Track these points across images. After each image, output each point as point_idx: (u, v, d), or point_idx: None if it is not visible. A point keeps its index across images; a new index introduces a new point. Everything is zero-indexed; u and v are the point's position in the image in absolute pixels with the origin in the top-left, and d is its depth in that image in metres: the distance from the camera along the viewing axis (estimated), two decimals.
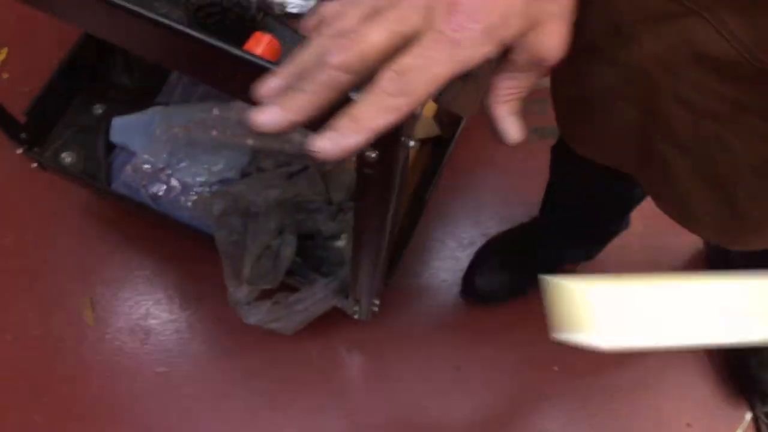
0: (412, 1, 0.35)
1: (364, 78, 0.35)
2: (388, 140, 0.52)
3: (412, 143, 0.53)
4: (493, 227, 1.46)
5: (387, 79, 0.34)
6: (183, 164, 1.22)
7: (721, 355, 1.37)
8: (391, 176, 0.56)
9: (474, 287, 1.38)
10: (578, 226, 1.21)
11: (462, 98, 0.59)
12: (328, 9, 0.38)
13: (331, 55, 0.35)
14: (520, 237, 1.38)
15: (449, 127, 1.35)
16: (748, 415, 1.33)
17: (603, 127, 0.71)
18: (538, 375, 1.36)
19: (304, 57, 0.36)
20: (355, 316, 1.20)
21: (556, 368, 1.36)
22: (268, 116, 0.36)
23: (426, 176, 1.33)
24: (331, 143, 0.35)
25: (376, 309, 1.18)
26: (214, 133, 1.17)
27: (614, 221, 1.18)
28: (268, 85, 0.37)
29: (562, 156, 1.05)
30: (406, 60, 0.34)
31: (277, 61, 0.58)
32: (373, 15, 0.35)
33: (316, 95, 0.35)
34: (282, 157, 1.19)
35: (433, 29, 0.34)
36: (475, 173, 1.52)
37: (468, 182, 1.51)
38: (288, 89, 0.36)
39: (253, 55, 0.52)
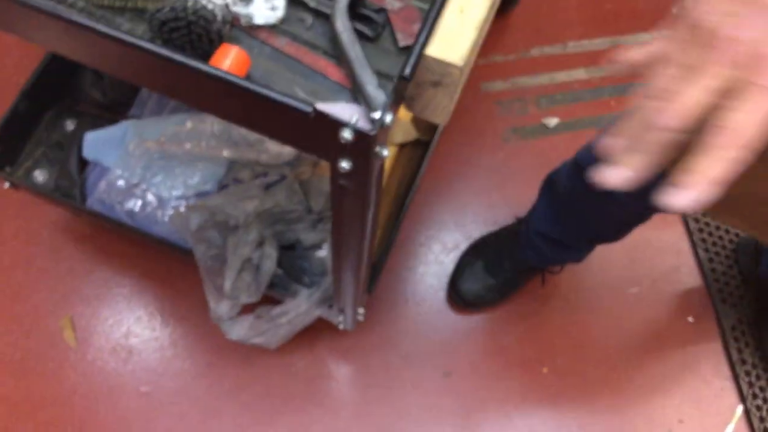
0: (721, 58, 0.39)
1: (692, 132, 0.40)
2: (362, 150, 0.50)
3: (386, 152, 0.52)
4: (476, 230, 1.45)
5: (718, 135, 0.38)
6: (158, 178, 1.20)
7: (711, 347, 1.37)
8: (367, 186, 0.55)
9: (460, 292, 1.36)
10: (579, 237, 1.19)
11: (434, 106, 0.58)
12: (637, 60, 0.44)
13: (658, 117, 0.40)
14: (505, 240, 1.37)
15: (428, 130, 1.34)
16: (740, 409, 1.33)
17: (757, 199, 0.72)
18: (527, 378, 1.35)
19: (633, 118, 0.42)
20: (340, 327, 1.19)
21: (545, 370, 1.35)
22: (619, 175, 0.42)
23: (407, 180, 1.32)
24: (687, 200, 0.39)
25: (361, 318, 1.17)
26: (188, 145, 1.15)
27: (620, 234, 1.15)
28: (610, 144, 0.43)
29: (587, 178, 0.99)
30: (733, 115, 0.38)
31: (246, 73, 0.57)
32: (687, 74, 0.39)
33: (652, 154, 0.41)
34: (259, 168, 1.17)
35: (749, 82, 0.38)
36: (456, 175, 1.51)
37: (449, 185, 1.50)
38: (626, 148, 0.42)
39: (217, 69, 0.50)
